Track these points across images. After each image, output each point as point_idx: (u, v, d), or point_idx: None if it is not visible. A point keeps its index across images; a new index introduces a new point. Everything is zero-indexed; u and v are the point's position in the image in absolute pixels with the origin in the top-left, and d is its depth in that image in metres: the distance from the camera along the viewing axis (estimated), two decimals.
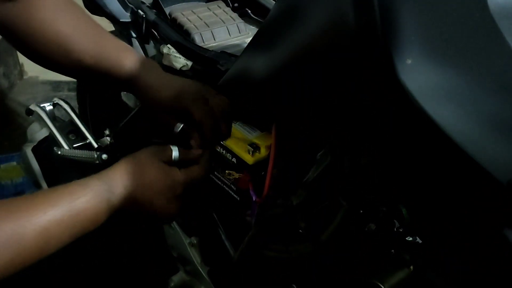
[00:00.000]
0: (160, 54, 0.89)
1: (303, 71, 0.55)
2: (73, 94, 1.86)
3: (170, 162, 0.67)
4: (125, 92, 1.12)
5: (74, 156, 1.06)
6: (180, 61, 0.85)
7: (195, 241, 0.94)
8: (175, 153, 0.67)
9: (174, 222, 0.98)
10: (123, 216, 0.63)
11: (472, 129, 0.37)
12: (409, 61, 0.39)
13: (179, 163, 0.67)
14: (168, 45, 0.88)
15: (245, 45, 0.95)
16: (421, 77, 0.38)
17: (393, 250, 0.71)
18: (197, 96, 0.71)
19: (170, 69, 0.88)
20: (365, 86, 0.46)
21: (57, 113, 1.00)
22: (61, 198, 0.56)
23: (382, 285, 0.61)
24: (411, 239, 0.70)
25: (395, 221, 0.72)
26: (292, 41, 0.60)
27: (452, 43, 0.38)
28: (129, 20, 0.95)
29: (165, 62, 0.87)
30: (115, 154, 1.04)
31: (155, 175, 0.64)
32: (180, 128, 0.72)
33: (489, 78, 0.37)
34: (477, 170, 0.36)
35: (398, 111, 0.42)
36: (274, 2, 1.04)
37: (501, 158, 0.35)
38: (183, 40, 0.87)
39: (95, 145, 1.04)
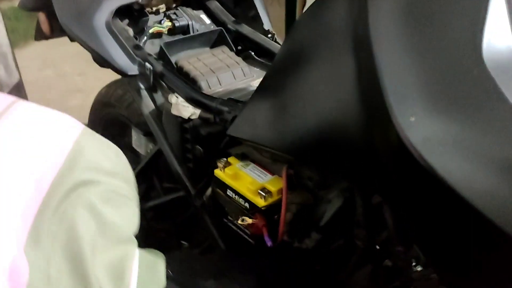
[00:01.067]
0: (169, 103, 0.91)
1: (309, 128, 0.57)
2: None
3: None
4: (136, 141, 1.15)
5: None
6: (189, 110, 0.87)
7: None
8: None
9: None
10: None
11: (481, 182, 0.37)
12: (412, 119, 0.40)
13: None
14: (176, 94, 0.90)
15: (251, 88, 0.98)
16: (426, 133, 0.39)
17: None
18: None
19: (178, 118, 0.90)
20: (371, 140, 0.47)
21: None
22: None
23: None
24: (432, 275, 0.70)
25: (413, 259, 0.73)
26: (295, 92, 0.62)
27: (453, 98, 0.39)
28: (137, 73, 0.98)
29: (174, 112, 0.89)
30: None
31: None
32: None
33: (492, 131, 0.38)
34: (486, 222, 0.36)
35: (404, 165, 0.43)
36: (276, 44, 1.07)
37: (510, 210, 0.36)
38: (190, 89, 0.90)
39: None
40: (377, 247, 0.74)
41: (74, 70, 2.28)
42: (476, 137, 0.38)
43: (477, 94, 0.38)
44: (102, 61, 0.99)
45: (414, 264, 0.73)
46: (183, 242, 1.10)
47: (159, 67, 0.95)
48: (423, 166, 0.39)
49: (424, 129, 0.39)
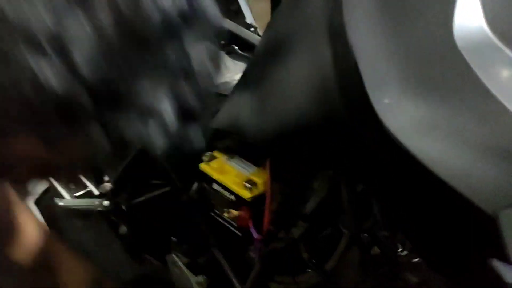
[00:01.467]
0: None
1: (290, 118, 0.57)
2: None
3: None
4: None
5: (76, 206, 1.07)
6: None
7: (202, 280, 0.94)
8: None
9: (179, 261, 0.98)
10: None
11: (456, 162, 0.38)
12: (386, 101, 0.40)
13: None
14: None
15: (234, 82, 0.97)
16: (400, 115, 0.40)
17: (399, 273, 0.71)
18: None
19: None
20: (352, 127, 0.47)
21: None
22: None
23: None
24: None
25: (399, 244, 0.73)
26: (276, 82, 0.62)
27: (427, 80, 0.40)
28: None
29: None
30: (117, 200, 1.05)
31: None
32: None
33: (465, 111, 0.38)
34: (465, 202, 0.37)
35: (383, 150, 0.43)
36: (259, 37, 1.07)
37: (487, 188, 0.36)
38: None
39: (96, 192, 1.05)
40: (364, 234, 0.74)
41: None
42: (450, 118, 0.38)
43: (450, 75, 0.39)
44: None
45: (400, 249, 0.74)
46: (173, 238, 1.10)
47: None
48: (400, 148, 0.39)
49: (399, 112, 0.39)
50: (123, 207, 1.02)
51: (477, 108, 0.38)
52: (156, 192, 1.02)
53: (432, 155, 0.38)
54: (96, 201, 0.99)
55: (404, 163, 0.39)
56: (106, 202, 1.01)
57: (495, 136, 0.37)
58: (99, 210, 1.03)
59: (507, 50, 0.38)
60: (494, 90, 0.37)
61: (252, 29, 1.09)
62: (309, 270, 0.79)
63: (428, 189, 0.41)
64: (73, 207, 1.07)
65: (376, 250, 0.75)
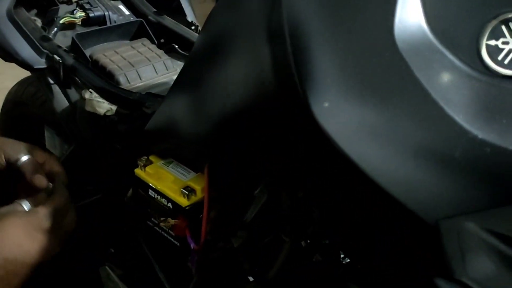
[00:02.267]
0: (82, 99, 0.84)
1: (228, 119, 0.54)
2: None
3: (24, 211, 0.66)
4: (49, 141, 1.06)
5: None
6: (104, 106, 0.81)
7: None
8: (25, 205, 0.67)
9: (113, 274, 0.92)
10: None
11: (396, 169, 0.36)
12: (326, 104, 0.38)
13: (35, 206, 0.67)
14: (90, 90, 0.83)
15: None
16: (340, 119, 0.37)
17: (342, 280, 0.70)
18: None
19: (94, 115, 0.83)
20: (290, 130, 0.45)
21: None
22: None
23: None
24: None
25: (340, 251, 0.72)
26: (213, 82, 0.58)
27: (367, 83, 0.38)
28: (45, 66, 0.89)
29: (88, 108, 0.83)
30: None
31: (12, 227, 0.62)
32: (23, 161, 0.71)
33: (406, 116, 0.36)
34: (405, 211, 0.35)
35: (322, 154, 0.41)
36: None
37: (428, 197, 0.35)
38: (105, 84, 0.83)
39: None
40: (306, 242, 0.72)
41: None
42: (389, 123, 0.36)
43: (390, 77, 0.37)
44: (4, 54, 0.90)
45: (342, 256, 0.72)
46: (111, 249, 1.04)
47: (70, 60, 0.88)
48: (340, 154, 0.37)
49: (339, 115, 0.37)
50: None
51: (417, 112, 0.36)
52: (87, 200, 0.95)
53: (372, 162, 0.36)
54: (19, 206, 0.90)
55: (343, 169, 0.37)
56: (27, 206, 0.93)
57: (435, 142, 0.35)
58: None
59: (447, 53, 0.37)
60: (434, 94, 0.36)
61: (193, 27, 1.05)
62: (251, 280, 0.76)
63: (368, 197, 0.39)
64: None
65: (317, 257, 0.74)
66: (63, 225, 0.68)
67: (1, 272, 0.60)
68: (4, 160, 0.72)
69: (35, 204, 0.67)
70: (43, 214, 0.65)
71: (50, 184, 0.71)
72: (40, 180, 0.71)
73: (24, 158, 0.72)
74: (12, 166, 0.72)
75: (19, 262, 0.62)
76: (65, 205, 0.69)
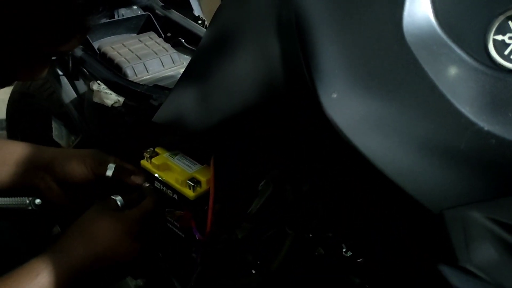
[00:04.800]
0: (90, 91, 0.85)
1: (236, 111, 0.55)
2: (5, 133, 1.76)
3: (118, 209, 0.69)
4: (56, 132, 1.07)
5: (4, 205, 0.98)
6: (112, 98, 0.81)
7: (141, 284, 0.89)
8: (119, 201, 0.70)
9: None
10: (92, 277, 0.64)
11: (402, 159, 0.36)
12: (334, 95, 0.38)
13: (127, 205, 0.70)
14: (98, 82, 0.84)
15: (179, 76, 0.94)
16: (348, 110, 0.38)
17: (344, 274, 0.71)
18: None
19: (101, 107, 0.84)
20: (298, 122, 0.45)
21: None
22: (20, 281, 0.56)
23: None
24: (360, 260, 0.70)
25: (343, 245, 0.73)
26: (221, 76, 0.59)
27: (375, 74, 0.38)
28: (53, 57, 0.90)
29: (96, 100, 0.83)
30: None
31: (108, 225, 0.65)
32: (112, 171, 0.73)
33: (413, 107, 0.37)
34: (411, 201, 0.36)
35: (330, 145, 0.41)
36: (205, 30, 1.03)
37: (433, 187, 0.35)
38: (113, 76, 0.84)
39: None
40: (309, 234, 0.73)
41: None
42: (396, 114, 0.37)
43: (398, 70, 0.37)
44: None
45: (344, 250, 0.73)
46: None
47: (79, 52, 0.89)
48: (347, 144, 0.37)
49: (347, 106, 0.38)
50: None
51: (424, 104, 0.37)
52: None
53: (378, 152, 0.36)
54: (27, 200, 0.91)
55: (350, 160, 0.38)
56: (38, 201, 0.94)
57: (442, 133, 0.36)
58: (30, 209, 0.95)
59: (455, 47, 0.38)
60: (441, 87, 0.36)
61: (200, 21, 1.05)
62: (253, 272, 0.76)
63: (373, 187, 0.40)
64: (2, 206, 0.99)
65: (320, 250, 0.74)
66: (146, 231, 0.71)
67: (89, 266, 0.63)
68: (91, 172, 0.74)
69: (127, 202, 0.71)
70: (135, 217, 0.68)
71: (147, 183, 0.75)
72: (138, 179, 0.75)
73: (112, 167, 0.75)
74: (99, 176, 0.75)
75: (106, 259, 0.65)
76: (154, 210, 0.72)
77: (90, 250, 0.63)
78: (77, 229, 0.65)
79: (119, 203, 0.70)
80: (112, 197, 0.71)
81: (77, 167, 0.74)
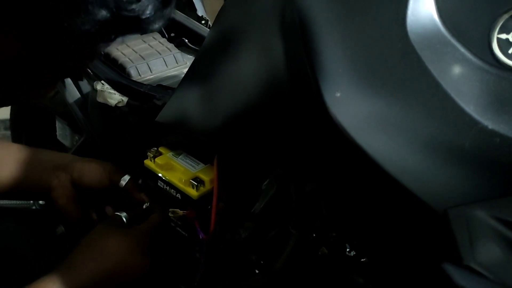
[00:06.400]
0: (94, 91, 0.85)
1: (239, 110, 0.55)
2: (9, 133, 1.77)
3: (124, 225, 0.70)
4: (60, 132, 1.07)
5: (9, 205, 0.99)
6: (115, 97, 0.82)
7: None
8: (124, 217, 0.71)
9: None
10: None
11: (406, 158, 0.36)
12: (338, 94, 0.38)
13: (132, 221, 0.71)
14: (102, 82, 0.85)
15: (183, 76, 0.94)
16: (351, 109, 0.38)
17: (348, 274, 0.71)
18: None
19: (105, 106, 0.84)
20: (301, 122, 0.45)
21: None
22: None
23: None
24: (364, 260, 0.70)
25: (347, 244, 0.72)
26: (225, 76, 0.59)
27: (378, 74, 0.38)
28: None
29: (100, 99, 0.84)
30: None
31: (118, 241, 0.65)
32: (126, 182, 0.76)
33: (417, 106, 0.37)
34: (414, 200, 0.36)
35: (333, 144, 0.41)
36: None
37: (437, 186, 0.35)
38: (117, 76, 0.84)
39: None
40: (313, 234, 0.73)
41: None
42: (401, 113, 0.37)
43: (401, 69, 0.37)
44: None
45: (348, 249, 0.73)
46: None
47: None
48: (351, 143, 0.38)
49: (350, 105, 0.38)
50: None
51: (428, 103, 0.37)
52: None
53: (382, 151, 0.36)
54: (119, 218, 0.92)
55: (354, 159, 0.38)
56: (41, 202, 0.94)
57: (446, 132, 0.36)
58: (33, 209, 0.96)
59: (459, 46, 0.37)
60: (445, 86, 0.36)
61: (203, 22, 1.05)
62: (257, 271, 0.76)
63: (377, 186, 0.40)
64: (7, 206, 1.00)
65: (324, 250, 0.74)
66: (155, 247, 0.72)
67: (99, 282, 0.62)
68: (107, 178, 0.76)
69: (132, 218, 0.72)
70: (144, 232, 0.69)
71: (148, 202, 0.77)
72: (144, 196, 0.76)
73: (127, 178, 0.77)
74: (114, 186, 0.77)
75: (117, 275, 0.64)
76: (160, 225, 0.73)
77: (100, 266, 0.62)
78: (86, 245, 0.65)
79: (124, 219, 0.71)
80: (117, 213, 0.71)
81: (95, 170, 0.75)
